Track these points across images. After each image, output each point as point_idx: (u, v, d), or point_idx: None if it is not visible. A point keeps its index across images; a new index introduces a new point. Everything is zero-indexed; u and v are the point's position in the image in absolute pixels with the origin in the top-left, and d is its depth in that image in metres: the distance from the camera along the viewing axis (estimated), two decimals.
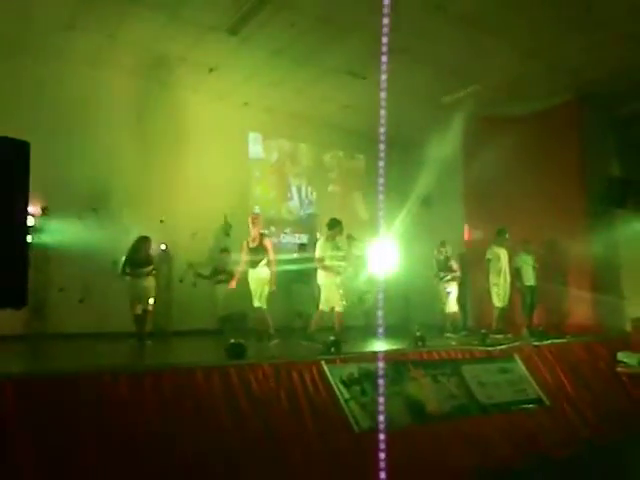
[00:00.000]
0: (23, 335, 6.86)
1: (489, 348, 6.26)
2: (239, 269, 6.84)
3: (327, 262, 6.63)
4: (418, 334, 6.18)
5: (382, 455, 2.50)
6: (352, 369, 4.86)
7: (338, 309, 6.61)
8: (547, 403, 5.84)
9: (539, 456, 4.86)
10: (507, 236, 8.17)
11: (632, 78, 7.98)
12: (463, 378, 5.56)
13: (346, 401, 4.53)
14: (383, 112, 2.74)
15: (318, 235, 9.07)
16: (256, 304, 6.66)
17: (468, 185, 10.22)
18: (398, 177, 8.99)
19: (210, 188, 8.88)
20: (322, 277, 6.70)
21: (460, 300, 8.73)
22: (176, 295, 8.44)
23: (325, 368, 4.70)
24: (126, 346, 6.64)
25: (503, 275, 8.06)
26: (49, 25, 7.04)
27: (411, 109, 8.78)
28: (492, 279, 8.08)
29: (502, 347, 6.38)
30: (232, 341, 4.73)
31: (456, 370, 5.62)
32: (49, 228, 7.49)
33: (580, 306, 8.40)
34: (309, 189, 10.89)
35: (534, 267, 8.32)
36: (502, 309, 8.10)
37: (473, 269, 9.11)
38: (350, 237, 8.15)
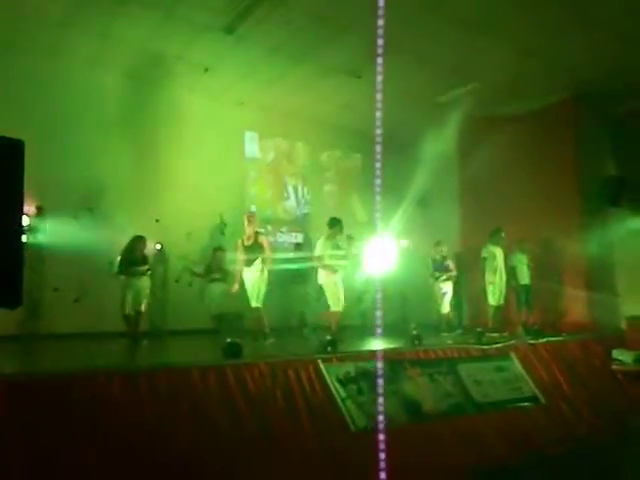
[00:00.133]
0: (18, 335, 6.83)
1: (485, 347, 6.28)
2: (238, 269, 6.82)
3: (327, 261, 6.61)
4: (414, 333, 6.19)
5: (379, 454, 2.50)
6: (349, 368, 4.86)
7: (336, 308, 6.59)
8: (543, 401, 5.87)
9: (535, 454, 4.87)
10: (503, 235, 8.19)
11: (627, 77, 8.01)
12: (459, 377, 5.58)
13: (343, 400, 4.53)
14: (379, 114, 2.73)
15: (313, 235, 9.11)
16: (254, 304, 6.65)
17: (464, 184, 10.25)
18: (395, 176, 8.95)
19: (206, 187, 8.86)
20: (322, 276, 6.68)
21: (456, 299, 8.75)
22: (172, 295, 8.42)
23: (322, 367, 4.71)
24: (121, 346, 6.62)
25: (499, 274, 8.08)
26: (41, 23, 6.98)
27: (408, 108, 8.79)
28: (488, 278, 8.11)
29: (498, 346, 6.40)
30: (228, 340, 4.72)
31: (452, 369, 5.64)
32: (44, 228, 7.46)
33: (575, 304, 8.44)
34: (305, 188, 10.88)
35: (529, 266, 8.35)
36: (498, 308, 8.14)
37: (469, 268, 9.13)
38: (350, 237, 8.14)
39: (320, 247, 6.71)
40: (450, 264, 8.41)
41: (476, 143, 9.22)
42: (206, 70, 8.27)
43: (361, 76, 8.12)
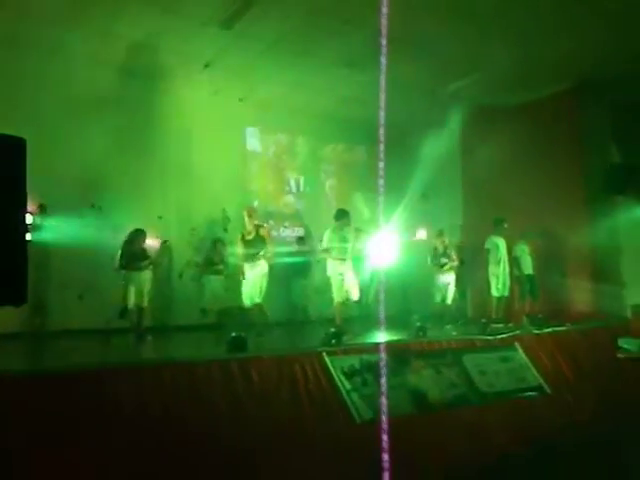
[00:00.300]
0: (23, 332, 6.88)
1: (489, 337, 6.28)
2: (240, 264, 6.82)
3: (334, 253, 6.60)
4: (418, 324, 6.20)
5: (384, 445, 2.51)
6: (353, 360, 4.88)
7: (339, 300, 6.61)
8: (548, 391, 5.87)
9: (540, 443, 4.88)
10: (505, 225, 8.17)
11: (631, 64, 7.94)
12: (464, 367, 5.59)
13: (347, 392, 4.55)
14: (382, 113, 2.70)
15: (315, 228, 9.09)
16: (257, 300, 6.66)
17: (467, 175, 10.21)
18: (397, 168, 8.95)
19: (208, 183, 8.86)
20: (330, 268, 6.67)
21: (459, 290, 8.73)
22: (176, 290, 8.46)
23: (326, 359, 4.72)
24: (127, 342, 6.66)
25: (502, 265, 8.06)
26: (43, 20, 6.97)
27: (410, 99, 8.73)
28: (491, 269, 8.08)
29: (502, 336, 6.40)
30: (233, 334, 4.74)
31: (457, 360, 5.64)
32: (48, 225, 7.49)
33: (580, 293, 8.41)
34: (308, 182, 10.86)
35: (532, 256, 8.32)
36: (501, 298, 8.12)
37: (472, 259, 9.11)
38: (358, 229, 8.12)
39: (327, 239, 6.69)
40: (452, 254, 8.37)
41: (479, 133, 9.18)
42: (206, 66, 8.25)
43: (363, 69, 8.07)
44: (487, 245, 8.16)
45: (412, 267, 8.80)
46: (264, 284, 6.65)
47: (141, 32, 7.31)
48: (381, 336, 5.87)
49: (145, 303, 6.76)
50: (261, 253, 6.63)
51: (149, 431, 3.57)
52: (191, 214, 8.84)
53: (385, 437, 2.55)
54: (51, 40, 7.43)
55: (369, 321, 7.36)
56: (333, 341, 5.16)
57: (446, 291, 8.11)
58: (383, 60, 2.67)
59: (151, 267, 6.95)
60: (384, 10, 2.61)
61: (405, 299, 9.40)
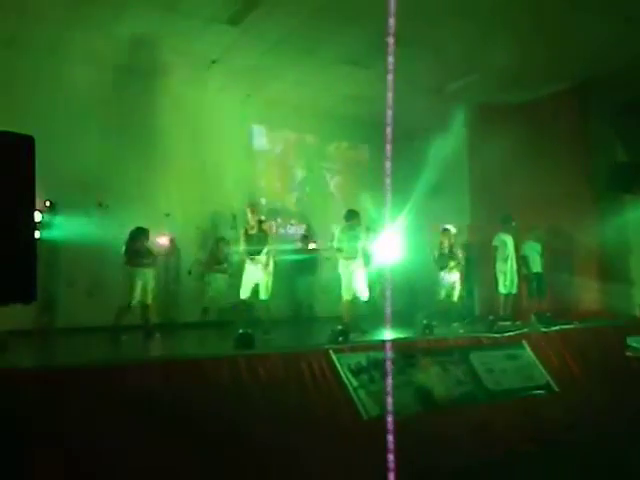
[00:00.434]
0: (33, 330, 6.94)
1: (497, 335, 6.26)
2: (243, 259, 6.83)
3: (345, 252, 6.69)
4: (425, 322, 6.19)
5: (390, 442, 2.52)
6: (360, 358, 4.88)
7: (347, 297, 6.63)
8: (555, 389, 5.85)
9: (547, 442, 4.87)
10: (513, 223, 8.13)
11: (636, 62, 7.87)
12: (471, 365, 5.58)
13: (355, 389, 4.56)
14: (390, 112, 2.69)
15: (320, 226, 9.05)
16: (263, 297, 6.67)
17: (474, 173, 10.16)
18: (403, 167, 8.93)
19: (215, 181, 8.90)
20: (341, 267, 6.76)
21: (467, 288, 8.68)
22: (184, 287, 8.50)
23: (333, 357, 4.73)
24: (135, 339, 6.70)
25: (510, 262, 8.02)
26: (46, 19, 7.01)
27: (414, 97, 8.70)
28: (499, 266, 8.04)
29: (510, 334, 6.38)
30: (240, 331, 4.76)
31: (464, 357, 5.63)
32: (57, 223, 7.54)
33: (588, 292, 8.37)
34: (313, 180, 10.86)
35: (541, 254, 8.28)
36: (509, 296, 8.08)
37: (480, 256, 9.08)
38: (368, 228, 8.12)
39: (337, 238, 6.80)
40: (457, 252, 8.28)
41: (485, 131, 9.14)
42: (213, 62, 8.27)
43: (369, 67, 8.06)
44: (495, 242, 8.12)
45: (419, 265, 8.78)
46: (270, 281, 6.66)
47: (145, 30, 7.33)
48: (388, 334, 5.87)
49: (149, 300, 6.78)
50: (264, 250, 6.64)
51: (156, 427, 3.59)
52: (197, 212, 8.87)
53: (391, 434, 2.55)
54: (56, 39, 7.47)
55: (376, 319, 7.36)
56: (340, 338, 5.17)
57: (452, 289, 8.04)
58: (388, 58, 2.67)
59: (154, 265, 6.93)
60: (389, 9, 2.61)
61: (412, 297, 9.38)
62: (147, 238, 6.90)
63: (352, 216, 6.90)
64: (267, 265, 6.66)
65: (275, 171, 10.45)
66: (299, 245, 9.12)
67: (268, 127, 10.30)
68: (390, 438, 2.56)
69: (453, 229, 8.33)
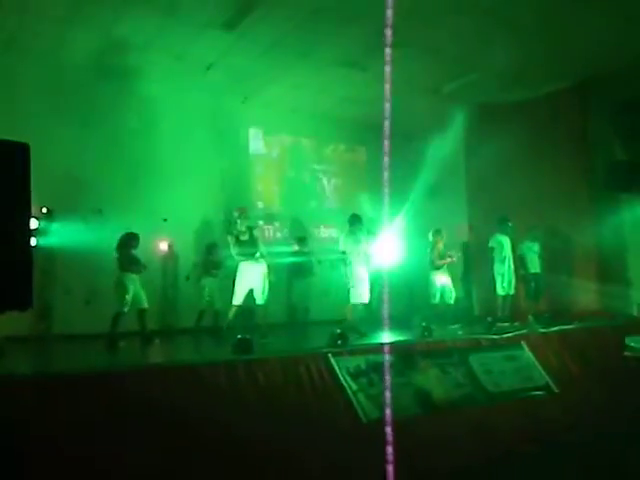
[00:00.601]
0: (30, 337, 6.91)
1: (495, 336, 6.26)
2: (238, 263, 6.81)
3: (350, 256, 6.75)
4: (424, 324, 6.18)
5: (390, 445, 2.51)
6: (359, 361, 4.87)
7: (355, 301, 6.69)
8: (555, 390, 5.84)
9: (547, 443, 4.86)
10: (510, 224, 8.14)
11: (635, 60, 7.90)
12: (470, 367, 5.57)
13: (354, 393, 4.54)
14: (388, 105, 2.69)
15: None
16: (259, 302, 6.65)
17: (471, 173, 10.18)
18: (400, 168, 8.93)
19: (213, 185, 8.90)
20: (347, 271, 6.80)
21: (465, 289, 8.68)
22: (181, 292, 8.48)
23: (332, 360, 4.72)
24: (133, 345, 6.68)
25: (507, 263, 8.03)
26: (44, 23, 7.01)
27: (411, 98, 8.72)
28: (496, 268, 8.04)
29: (509, 335, 6.37)
30: (239, 336, 4.75)
31: (463, 359, 5.62)
32: (54, 230, 7.52)
33: (586, 292, 8.38)
34: (311, 183, 10.86)
35: (539, 254, 8.28)
36: (507, 297, 8.08)
37: (477, 258, 9.09)
38: (370, 231, 8.10)
39: (343, 243, 6.89)
40: (449, 254, 8.25)
41: (483, 131, 9.16)
42: (208, 68, 8.28)
43: (365, 68, 8.08)
44: (491, 244, 8.13)
45: (417, 267, 8.77)
46: (266, 286, 6.65)
47: (142, 35, 7.34)
48: (387, 336, 5.87)
49: (146, 304, 6.75)
50: (257, 255, 6.62)
51: (155, 434, 3.57)
52: (194, 216, 8.87)
53: (391, 437, 2.54)
54: (52, 44, 7.48)
55: (374, 322, 7.36)
56: (339, 342, 5.16)
57: (444, 292, 8.02)
58: (385, 60, 2.67)
59: (144, 271, 6.87)
60: (385, 10, 2.61)
61: (411, 299, 9.38)
62: (137, 244, 6.85)
63: (355, 221, 6.98)
64: (261, 270, 6.63)
65: (272, 174, 10.45)
66: (296, 248, 9.10)
67: (265, 131, 10.31)
68: (390, 441, 2.56)
69: (442, 231, 8.29)
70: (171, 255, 8.66)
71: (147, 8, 6.68)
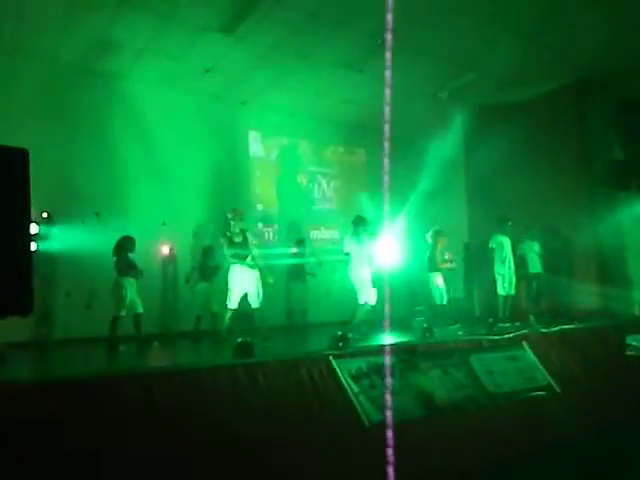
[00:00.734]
0: (31, 342, 6.90)
1: (496, 337, 6.25)
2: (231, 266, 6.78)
3: (355, 258, 6.77)
4: (425, 326, 6.18)
5: (392, 448, 2.51)
6: (361, 363, 4.85)
7: (362, 302, 6.70)
8: (557, 390, 5.83)
9: (549, 443, 4.85)
10: (510, 224, 8.14)
11: (633, 60, 7.91)
12: (471, 368, 5.56)
13: (355, 395, 4.53)
14: (388, 109, 2.69)
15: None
16: (255, 305, 6.61)
17: (471, 174, 10.19)
18: (399, 169, 8.94)
19: (212, 188, 8.89)
20: (352, 273, 6.83)
21: (466, 290, 8.67)
22: (181, 296, 8.47)
23: (333, 363, 4.71)
24: (133, 349, 6.67)
25: (507, 263, 8.03)
26: (42, 28, 7.01)
27: (411, 99, 8.74)
28: (497, 268, 8.04)
29: (510, 335, 6.37)
30: (239, 340, 4.74)
31: (464, 360, 5.61)
32: (54, 234, 7.52)
33: (587, 291, 8.37)
34: (310, 185, 10.87)
35: (540, 254, 8.27)
36: (507, 297, 8.08)
37: (478, 258, 9.08)
38: (372, 233, 8.10)
39: (347, 244, 6.91)
40: (449, 255, 8.24)
41: (482, 132, 9.17)
42: (207, 71, 8.29)
43: (363, 70, 8.08)
44: (492, 244, 8.13)
45: (418, 268, 8.77)
46: (259, 289, 6.61)
47: (141, 39, 7.35)
48: (388, 338, 5.86)
49: (141, 309, 6.74)
50: (249, 258, 6.60)
51: (156, 438, 3.57)
52: (194, 219, 8.87)
53: (393, 439, 2.54)
54: (47, 48, 7.48)
55: (376, 323, 7.35)
56: (340, 344, 5.15)
57: (441, 293, 8.02)
58: (385, 61, 2.67)
59: (140, 276, 6.87)
60: (384, 11, 2.60)
61: (413, 300, 9.37)
62: (134, 247, 6.85)
63: (358, 222, 7.00)
64: (253, 274, 6.58)
65: (271, 177, 10.45)
66: (294, 250, 9.09)
67: (264, 133, 10.31)
68: (391, 443, 2.55)
69: (442, 231, 8.28)
70: (171, 258, 8.65)
71: (144, 12, 6.68)
